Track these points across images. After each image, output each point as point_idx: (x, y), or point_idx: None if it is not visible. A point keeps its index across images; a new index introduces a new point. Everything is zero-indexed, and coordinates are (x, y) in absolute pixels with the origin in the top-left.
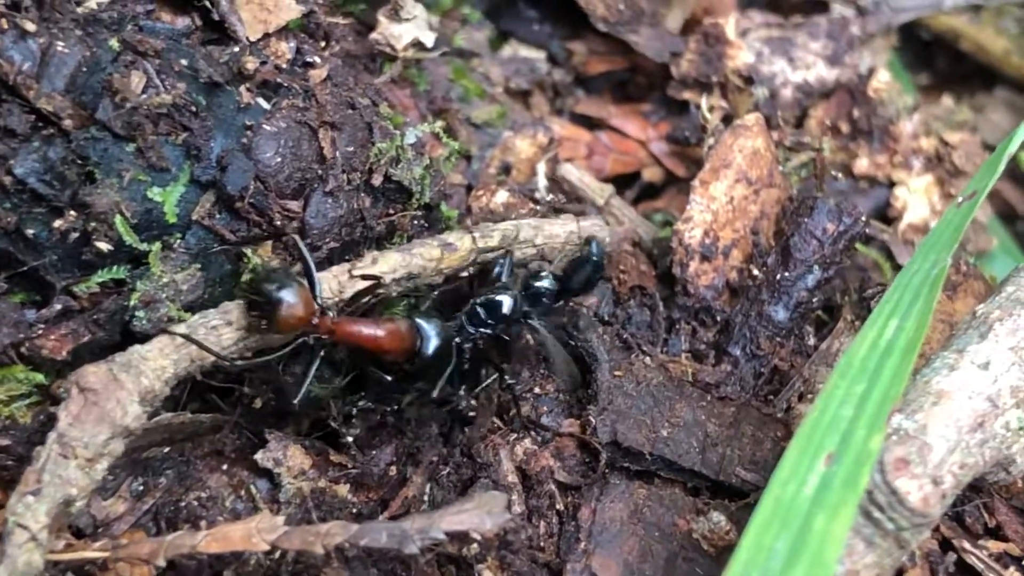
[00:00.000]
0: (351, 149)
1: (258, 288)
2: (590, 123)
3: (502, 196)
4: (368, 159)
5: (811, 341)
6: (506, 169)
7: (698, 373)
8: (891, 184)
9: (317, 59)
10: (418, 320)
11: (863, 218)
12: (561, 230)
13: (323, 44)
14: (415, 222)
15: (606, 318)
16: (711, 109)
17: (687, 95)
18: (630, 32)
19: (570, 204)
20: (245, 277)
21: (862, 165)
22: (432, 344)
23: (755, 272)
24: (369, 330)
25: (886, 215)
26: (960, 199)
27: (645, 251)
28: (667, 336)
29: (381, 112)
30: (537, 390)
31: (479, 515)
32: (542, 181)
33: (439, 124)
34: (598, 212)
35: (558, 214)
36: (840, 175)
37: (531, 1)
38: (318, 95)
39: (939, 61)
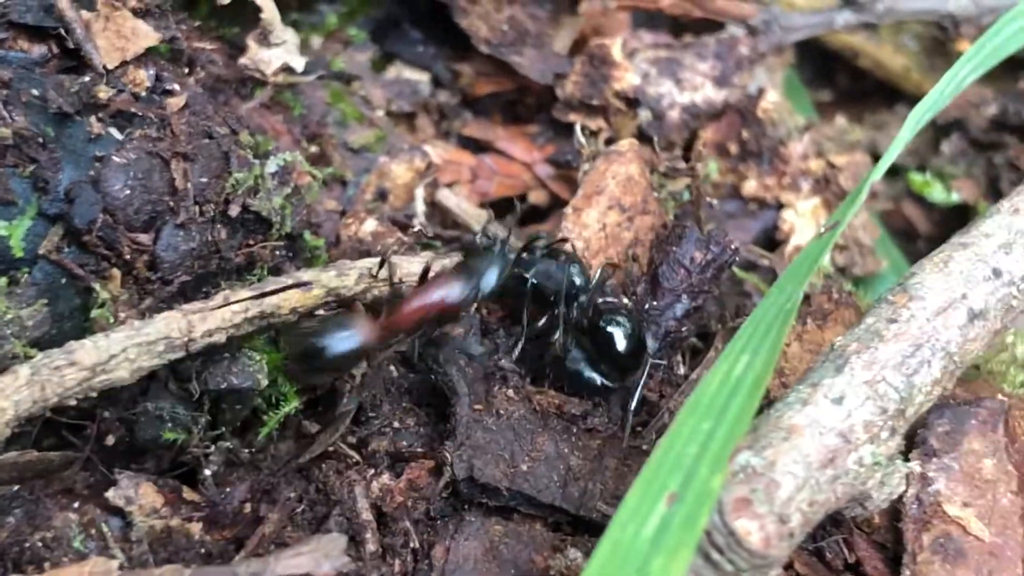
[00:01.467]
0: (205, 180)
1: (307, 352)
2: (477, 145)
3: (370, 225)
4: (224, 190)
5: (681, 371)
6: (382, 195)
7: (564, 404)
8: (780, 206)
9: (176, 87)
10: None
11: (733, 246)
12: (419, 267)
13: (186, 70)
14: (277, 253)
15: (474, 349)
16: (597, 132)
17: (572, 117)
18: (514, 54)
19: (447, 230)
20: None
21: (750, 187)
22: (488, 279)
23: (625, 301)
24: (420, 300)
25: (774, 238)
26: (823, 228)
27: None
28: (537, 366)
29: (241, 140)
30: (396, 424)
31: (316, 558)
32: (420, 207)
33: (312, 149)
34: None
35: (433, 242)
36: (716, 202)
37: (416, 22)
38: (174, 125)
39: (840, 78)
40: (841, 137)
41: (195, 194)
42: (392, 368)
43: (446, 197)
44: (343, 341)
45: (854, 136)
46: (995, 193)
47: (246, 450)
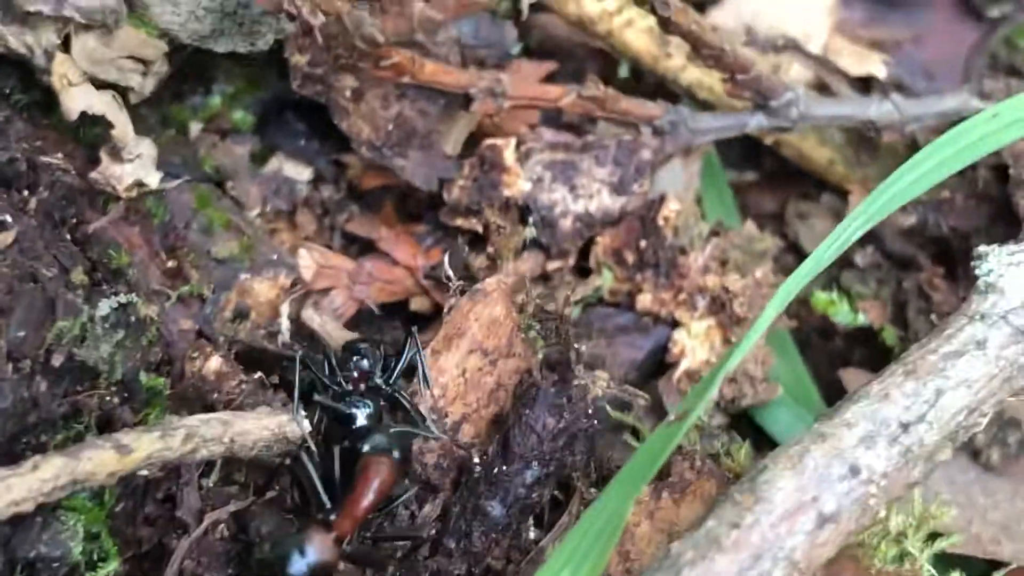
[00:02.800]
0: (23, 334)
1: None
2: (360, 244)
3: (215, 363)
4: (46, 341)
5: (532, 535)
6: (243, 314)
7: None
8: (674, 323)
9: (8, 218)
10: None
11: (589, 412)
12: (254, 426)
13: (26, 192)
14: (107, 399)
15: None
16: (486, 238)
17: (460, 222)
18: (397, 156)
19: (312, 351)
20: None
21: (645, 300)
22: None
23: (475, 460)
24: (367, 497)
25: (664, 360)
26: (671, 416)
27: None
28: (384, 524)
29: (72, 280)
30: None
31: None
32: (285, 324)
33: (170, 263)
34: None
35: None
36: (583, 348)
37: (300, 113)
38: None
39: (766, 160)
40: (749, 245)
41: (11, 350)
42: (223, 530)
43: (311, 318)
44: (305, 562)
45: (763, 245)
46: (901, 320)
47: None
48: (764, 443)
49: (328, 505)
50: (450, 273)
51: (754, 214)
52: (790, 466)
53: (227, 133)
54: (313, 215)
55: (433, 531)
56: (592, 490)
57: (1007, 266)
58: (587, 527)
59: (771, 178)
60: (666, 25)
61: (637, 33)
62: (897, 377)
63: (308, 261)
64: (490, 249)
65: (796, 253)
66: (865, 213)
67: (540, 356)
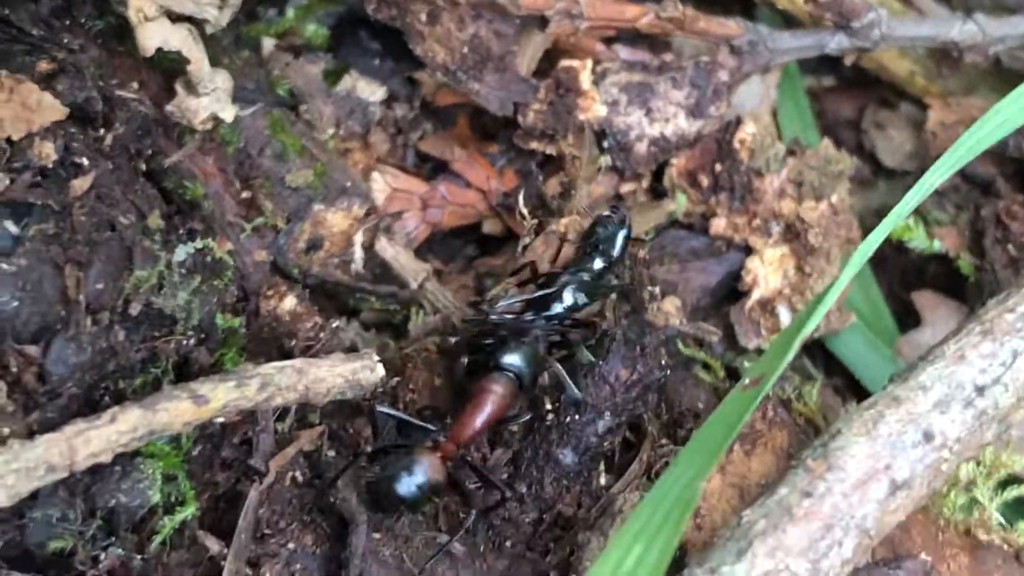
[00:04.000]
0: (101, 286)
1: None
2: (434, 163)
3: (289, 303)
4: (124, 291)
5: (603, 481)
6: (316, 244)
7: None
8: (747, 250)
9: (85, 161)
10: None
11: (663, 363)
12: (328, 373)
13: (101, 131)
14: (184, 344)
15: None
16: (559, 159)
17: (534, 145)
18: (473, 80)
19: (382, 285)
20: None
21: (719, 225)
22: (527, 376)
23: (547, 407)
24: (478, 416)
25: (737, 286)
26: (746, 381)
27: (451, 352)
28: (457, 469)
29: (149, 226)
30: (292, 544)
31: None
32: (359, 254)
33: (244, 194)
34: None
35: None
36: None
37: (375, 31)
38: (75, 215)
39: (844, 66)
40: (825, 166)
41: (90, 302)
42: (298, 475)
43: (383, 249)
44: (414, 482)
45: (839, 165)
46: (978, 249)
47: (138, 556)
48: (836, 370)
49: (433, 428)
50: (524, 211)
51: (831, 121)
52: (864, 432)
53: (300, 51)
54: (387, 134)
55: (505, 475)
56: (663, 441)
57: None
58: (658, 501)
59: (849, 84)
60: None
61: None
62: (974, 337)
63: (381, 184)
64: (564, 177)
65: (874, 163)
66: (949, 161)
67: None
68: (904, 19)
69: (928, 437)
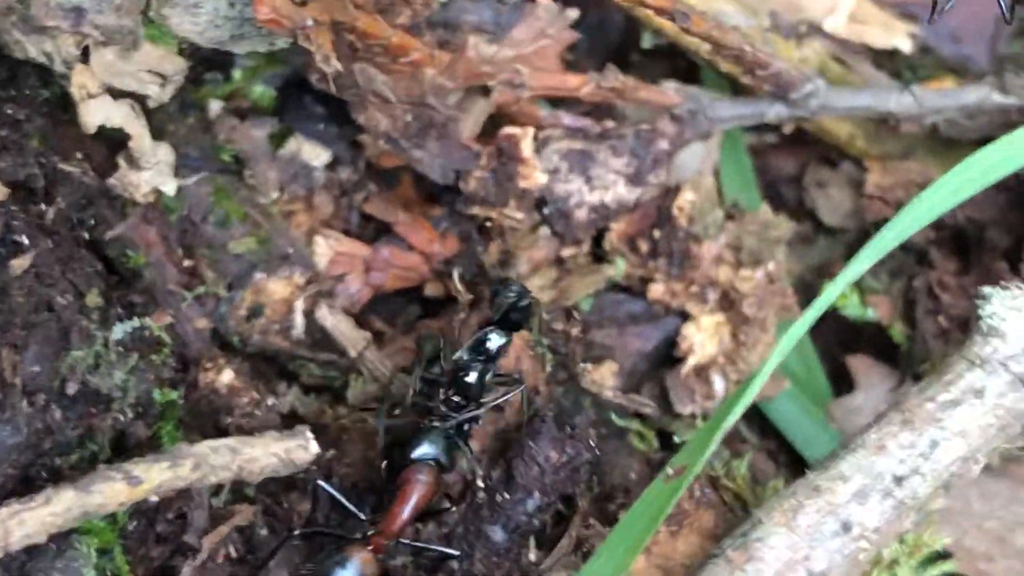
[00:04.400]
0: (37, 368)
1: None
2: (377, 224)
3: (227, 376)
4: (60, 371)
5: (532, 557)
6: (257, 312)
7: None
8: (684, 315)
9: (25, 239)
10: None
11: (592, 444)
12: (261, 452)
13: (43, 206)
14: (120, 419)
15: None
16: (499, 229)
17: (476, 211)
18: (414, 148)
19: (322, 353)
20: None
21: (657, 290)
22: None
23: (479, 484)
24: (406, 507)
25: (672, 354)
26: (670, 471)
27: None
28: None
29: (87, 305)
30: None
31: None
32: (299, 321)
33: (186, 262)
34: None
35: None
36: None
37: (318, 96)
38: (13, 296)
39: (787, 124)
40: (764, 232)
41: (26, 383)
42: (231, 552)
43: (323, 316)
44: None
45: (777, 231)
46: (910, 319)
47: None
48: (770, 433)
49: (363, 518)
50: (459, 287)
51: (774, 178)
52: (783, 522)
53: (246, 114)
54: (330, 196)
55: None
56: (590, 522)
57: (1009, 310)
58: None
59: (792, 142)
60: (686, 31)
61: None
62: (894, 427)
63: (324, 248)
64: (504, 245)
65: (814, 220)
66: (887, 237)
67: (548, 370)
68: (841, 90)
69: (846, 528)
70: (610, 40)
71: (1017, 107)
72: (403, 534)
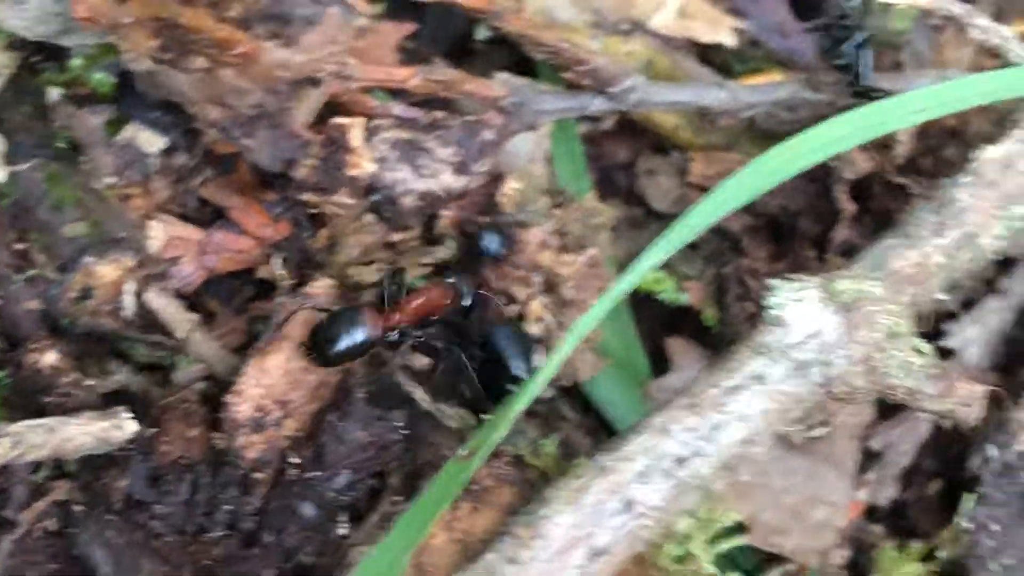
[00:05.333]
0: None
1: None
2: (214, 208)
3: (51, 358)
4: None
5: (343, 531)
6: (87, 294)
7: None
8: (511, 300)
9: None
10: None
11: (398, 425)
12: (78, 431)
13: None
14: None
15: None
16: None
17: (308, 197)
18: (245, 136)
19: (151, 334)
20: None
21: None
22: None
23: (292, 460)
24: (422, 300)
25: None
26: (463, 451)
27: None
28: (204, 517)
29: None
30: None
31: None
32: (129, 303)
33: (18, 246)
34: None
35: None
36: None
37: None
38: None
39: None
40: (587, 219)
41: None
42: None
43: (151, 299)
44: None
45: (600, 219)
46: (721, 304)
47: None
48: (591, 411)
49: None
50: (282, 272)
51: (607, 165)
52: (570, 501)
53: (84, 101)
54: (167, 181)
55: (252, 525)
56: (396, 499)
57: (793, 301)
58: (377, 561)
59: (624, 130)
60: (500, 30)
61: None
62: (680, 411)
63: (158, 232)
64: (330, 231)
65: (645, 206)
66: (681, 230)
67: None
68: (660, 86)
69: (629, 506)
70: (454, 29)
71: (827, 102)
72: (407, 323)
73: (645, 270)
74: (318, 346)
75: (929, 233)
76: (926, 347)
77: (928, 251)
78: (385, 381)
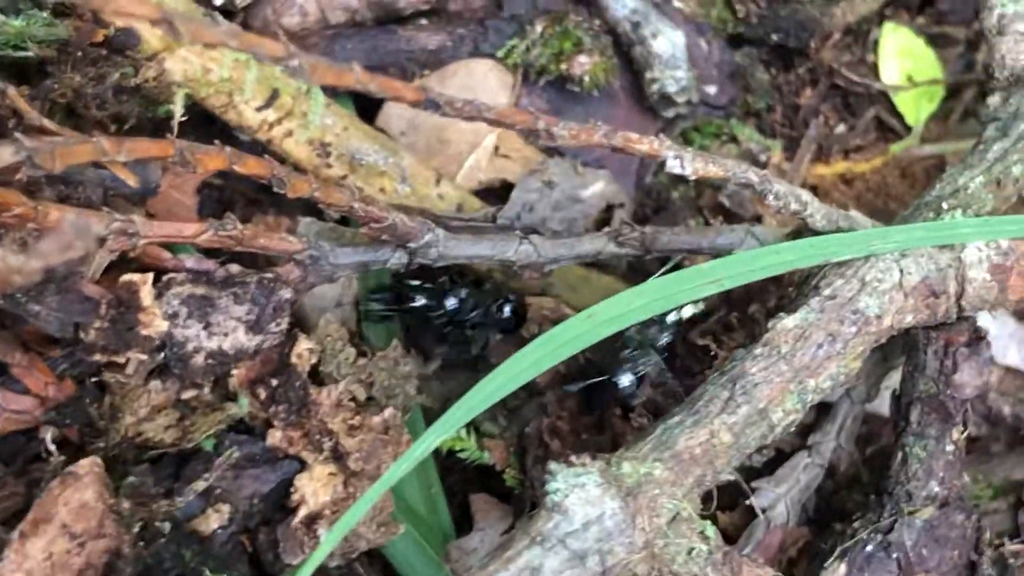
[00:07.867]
0: None
1: None
2: None
3: None
4: None
5: None
6: None
7: None
8: (301, 463)
9: None
10: None
11: None
12: None
13: None
14: None
15: None
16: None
17: (97, 358)
18: (32, 303)
19: None
20: None
21: (276, 437)
22: None
23: None
24: None
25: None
26: None
27: None
28: None
29: None
30: None
31: None
32: None
33: None
34: None
35: None
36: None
37: None
38: None
39: None
40: (394, 368)
41: None
42: None
43: None
44: None
45: (407, 368)
46: (521, 465)
47: None
48: (390, 573)
49: None
50: (52, 448)
51: None
52: None
53: None
54: None
55: None
56: None
57: (573, 487)
58: None
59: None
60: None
61: (296, 144)
62: None
63: None
64: (112, 399)
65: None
66: (453, 417)
67: (135, 530)
68: (460, 239)
69: None
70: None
71: (633, 256)
72: None
73: (432, 444)
74: None
75: (718, 410)
76: (712, 531)
77: (716, 428)
78: (158, 560)
